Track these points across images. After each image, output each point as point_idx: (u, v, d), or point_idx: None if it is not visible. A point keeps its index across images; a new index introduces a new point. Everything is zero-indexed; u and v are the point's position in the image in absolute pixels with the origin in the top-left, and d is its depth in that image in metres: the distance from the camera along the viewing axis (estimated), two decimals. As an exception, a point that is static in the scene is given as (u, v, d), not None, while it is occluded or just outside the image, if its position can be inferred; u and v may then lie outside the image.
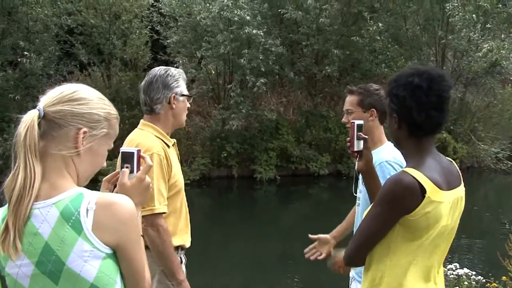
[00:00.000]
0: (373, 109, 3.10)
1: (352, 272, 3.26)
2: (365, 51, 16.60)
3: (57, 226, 1.49)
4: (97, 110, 1.62)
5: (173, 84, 2.89)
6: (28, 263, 1.50)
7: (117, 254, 1.56)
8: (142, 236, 1.70)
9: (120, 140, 2.94)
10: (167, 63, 15.36)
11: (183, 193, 3.00)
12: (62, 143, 1.57)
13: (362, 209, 3.14)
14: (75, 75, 17.48)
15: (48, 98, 1.58)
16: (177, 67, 3.42)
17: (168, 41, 16.89)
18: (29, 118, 1.53)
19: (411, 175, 1.92)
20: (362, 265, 2.12)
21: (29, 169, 1.50)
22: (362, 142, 2.32)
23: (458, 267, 4.86)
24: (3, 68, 15.12)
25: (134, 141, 2.82)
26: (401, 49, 17.83)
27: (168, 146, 2.93)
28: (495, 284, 4.79)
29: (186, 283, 2.85)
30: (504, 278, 4.81)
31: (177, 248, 2.93)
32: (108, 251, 1.53)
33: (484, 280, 4.79)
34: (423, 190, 1.91)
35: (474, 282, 4.65)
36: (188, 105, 3.02)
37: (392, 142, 3.13)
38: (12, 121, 15.10)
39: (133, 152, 1.75)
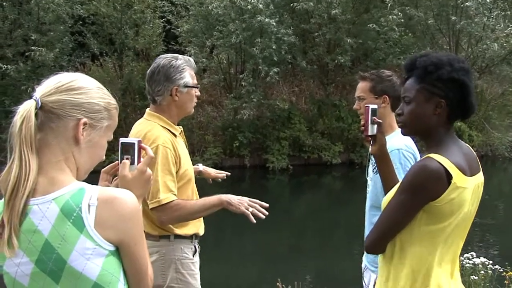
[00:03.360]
0: (385, 95, 3.06)
1: (365, 262, 3.22)
2: (379, 39, 16.43)
3: (58, 223, 1.43)
4: (97, 100, 1.55)
5: (175, 76, 2.80)
6: (27, 262, 1.45)
7: (120, 251, 1.51)
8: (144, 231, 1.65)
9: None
10: (178, 53, 15.30)
11: (193, 182, 2.97)
12: (61, 134, 1.50)
13: (371, 195, 3.12)
14: (87, 66, 17.55)
15: (45, 88, 1.51)
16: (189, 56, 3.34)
17: (179, 30, 16.85)
18: (25, 109, 1.46)
19: (437, 161, 1.89)
20: (382, 253, 2.09)
21: (24, 163, 1.43)
22: (376, 126, 2.30)
23: (474, 256, 4.81)
24: (15, 59, 15.15)
25: (141, 132, 2.78)
26: (414, 38, 17.65)
27: (175, 135, 2.88)
28: (511, 273, 4.74)
29: (225, 197, 2.78)
30: (520, 267, 4.76)
31: (191, 236, 2.91)
32: (111, 248, 1.48)
33: (500, 270, 4.75)
34: (449, 176, 1.88)
35: (490, 271, 4.60)
36: (198, 93, 2.96)
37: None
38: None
39: (134, 143, 1.68)
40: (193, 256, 2.92)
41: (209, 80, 16.29)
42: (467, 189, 1.93)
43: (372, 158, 3.14)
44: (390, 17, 15.18)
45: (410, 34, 17.74)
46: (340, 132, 16.59)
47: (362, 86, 3.13)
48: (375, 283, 2.99)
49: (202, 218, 3.00)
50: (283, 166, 15.61)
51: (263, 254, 9.14)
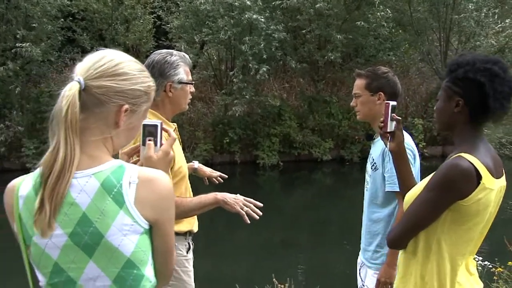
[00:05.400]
0: (381, 92, 3.08)
1: (362, 258, 3.24)
2: (370, 36, 16.44)
3: (97, 198, 1.45)
4: (139, 85, 1.57)
5: (169, 72, 2.79)
6: (61, 234, 1.45)
7: (154, 230, 1.54)
8: None
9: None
10: (169, 49, 15.22)
11: (187, 179, 2.97)
12: (102, 119, 1.52)
13: (370, 192, 3.13)
14: (77, 61, 17.38)
15: (90, 70, 1.51)
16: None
17: (168, 25, 16.79)
18: (71, 94, 1.45)
19: (468, 160, 1.93)
20: (404, 248, 2.13)
21: (69, 147, 1.44)
22: (394, 123, 2.32)
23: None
24: (4, 55, 14.95)
25: None
26: (405, 34, 17.70)
27: None
28: (500, 269, 4.78)
29: (220, 196, 2.73)
30: (510, 263, 4.80)
31: (185, 233, 2.91)
32: (146, 226, 1.51)
33: (490, 266, 4.78)
34: (478, 176, 1.92)
35: (480, 268, 4.64)
36: (193, 89, 2.96)
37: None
38: (14, 107, 15.05)
39: (157, 125, 1.72)
40: (187, 253, 2.92)
41: (198, 76, 16.23)
42: (493, 191, 1.98)
43: (372, 155, 3.16)
44: (378, 13, 15.20)
45: (400, 30, 17.78)
46: (330, 128, 16.61)
47: (358, 83, 3.16)
48: (379, 281, 3.00)
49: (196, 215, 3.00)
50: (274, 163, 15.61)
51: (255, 250, 9.16)
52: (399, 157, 2.33)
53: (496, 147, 16.90)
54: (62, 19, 16.00)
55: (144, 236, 1.51)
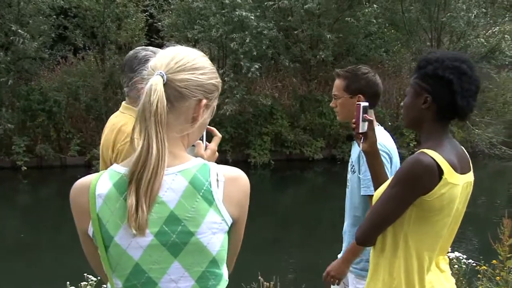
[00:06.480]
0: (360, 94, 2.91)
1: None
2: (360, 34, 16.47)
3: (186, 196, 1.42)
4: (214, 80, 1.55)
5: (138, 67, 2.75)
6: (146, 233, 1.41)
7: (233, 227, 1.52)
8: None
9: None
10: (161, 47, 15.19)
11: None
12: (182, 114, 1.49)
13: (350, 191, 3.10)
14: (68, 59, 17.36)
15: (170, 64, 1.47)
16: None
17: (160, 23, 16.74)
18: (159, 89, 1.42)
19: (430, 156, 1.95)
20: (372, 245, 2.13)
21: (160, 142, 1.41)
22: (367, 123, 2.33)
23: (449, 251, 4.85)
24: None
25: (116, 125, 2.75)
26: (398, 34, 17.74)
27: None
28: (484, 267, 4.80)
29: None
30: (494, 261, 4.82)
31: None
32: (229, 225, 1.49)
33: (474, 264, 4.81)
34: (440, 171, 1.94)
35: (464, 266, 4.67)
36: None
37: (382, 125, 3.11)
38: (4, 105, 14.97)
39: None
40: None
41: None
42: (458, 186, 1.99)
43: (351, 156, 3.14)
44: (367, 10, 15.23)
45: (392, 30, 17.82)
46: (322, 127, 16.63)
47: (337, 84, 3.03)
48: (327, 273, 3.03)
49: None
50: (265, 161, 15.62)
51: (245, 248, 9.11)
52: (372, 157, 2.34)
53: (487, 147, 16.99)
54: (55, 16, 15.95)
55: (226, 235, 1.49)
